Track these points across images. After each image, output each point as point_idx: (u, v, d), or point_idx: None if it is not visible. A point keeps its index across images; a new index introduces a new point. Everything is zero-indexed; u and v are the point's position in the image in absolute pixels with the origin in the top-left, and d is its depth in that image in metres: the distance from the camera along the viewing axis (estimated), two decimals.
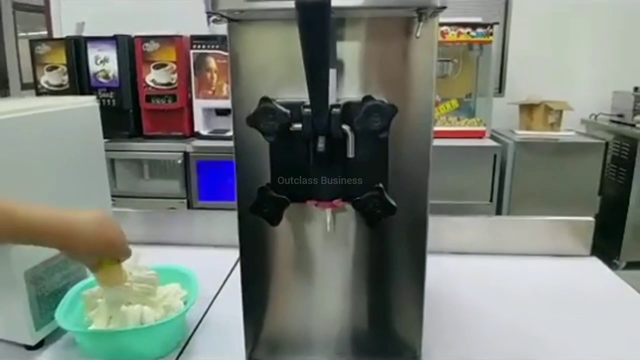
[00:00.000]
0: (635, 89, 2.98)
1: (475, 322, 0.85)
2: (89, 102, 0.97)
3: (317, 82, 0.48)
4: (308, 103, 0.53)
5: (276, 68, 0.59)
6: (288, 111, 0.54)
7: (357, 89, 0.58)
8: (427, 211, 0.62)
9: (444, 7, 0.50)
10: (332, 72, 0.54)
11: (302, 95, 0.53)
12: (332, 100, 0.53)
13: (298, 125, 0.53)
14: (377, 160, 0.55)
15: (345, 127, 0.52)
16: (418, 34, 0.53)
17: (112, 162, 2.68)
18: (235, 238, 0.65)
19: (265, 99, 0.54)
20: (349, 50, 0.58)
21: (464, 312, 0.88)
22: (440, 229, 1.14)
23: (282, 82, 0.58)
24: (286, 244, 0.64)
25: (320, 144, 0.52)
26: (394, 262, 0.65)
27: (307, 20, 0.44)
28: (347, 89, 0.58)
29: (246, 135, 0.59)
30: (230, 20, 0.57)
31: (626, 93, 3.01)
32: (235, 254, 0.67)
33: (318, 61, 0.47)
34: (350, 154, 0.53)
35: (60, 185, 0.82)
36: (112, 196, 1.01)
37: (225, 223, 1.10)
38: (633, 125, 2.85)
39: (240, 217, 0.62)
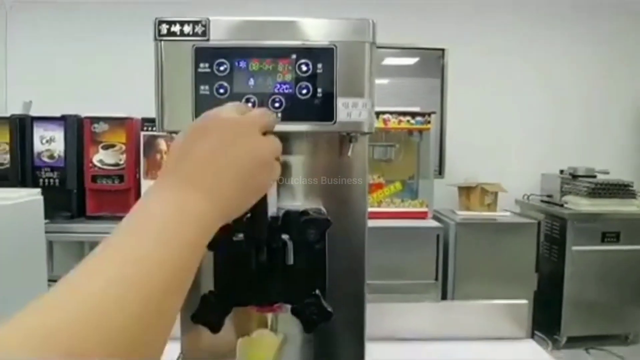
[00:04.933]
0: (561, 171, 3.24)
1: None
2: (33, 196, 0.97)
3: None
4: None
5: None
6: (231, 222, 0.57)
7: (297, 196, 0.63)
8: (364, 312, 0.65)
9: (371, 132, 0.57)
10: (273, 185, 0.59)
11: None
12: (272, 211, 0.57)
13: (240, 235, 0.57)
14: (315, 267, 0.59)
15: (285, 236, 0.56)
16: (349, 154, 0.59)
17: (50, 245, 2.57)
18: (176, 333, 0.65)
19: None
20: (290, 161, 0.64)
21: None
22: (384, 317, 1.17)
23: None
24: (229, 348, 0.65)
25: (262, 256, 0.55)
26: (332, 353, 0.67)
27: None
28: (287, 196, 0.63)
29: None
30: None
31: (553, 175, 3.27)
32: (176, 350, 0.67)
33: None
34: (290, 261, 0.56)
35: None
36: (49, 281, 0.98)
37: None
38: (561, 205, 3.07)
39: (182, 325, 0.63)
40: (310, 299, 0.57)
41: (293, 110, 0.55)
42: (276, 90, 0.55)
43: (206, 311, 0.56)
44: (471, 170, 3.22)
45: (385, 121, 2.78)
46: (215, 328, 0.56)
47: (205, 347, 0.62)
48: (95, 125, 2.71)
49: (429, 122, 2.86)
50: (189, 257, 0.37)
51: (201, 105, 0.55)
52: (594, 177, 3.04)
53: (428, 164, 2.98)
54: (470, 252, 2.81)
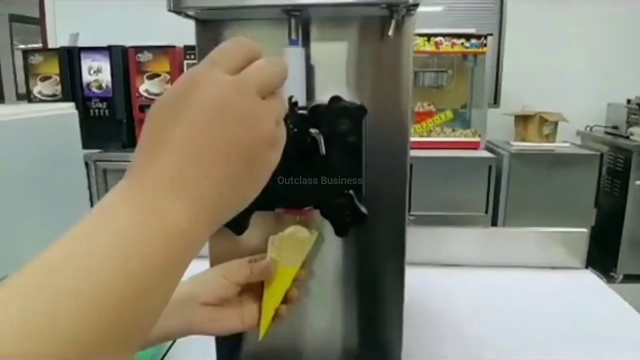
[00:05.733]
0: (628, 101, 2.96)
1: (460, 335, 0.82)
2: (67, 109, 0.96)
3: None
4: None
5: None
6: None
7: (328, 91, 0.56)
8: (404, 221, 0.59)
9: (417, 4, 0.48)
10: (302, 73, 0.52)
11: None
12: (301, 102, 0.51)
13: None
14: (349, 164, 0.52)
15: (314, 130, 0.50)
16: (390, 33, 0.51)
17: (104, 173, 2.66)
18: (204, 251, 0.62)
19: None
20: (321, 51, 0.56)
21: (450, 324, 0.85)
22: (432, 241, 1.12)
23: None
24: (259, 251, 0.61)
25: (291, 154, 0.49)
26: (371, 272, 0.62)
27: None
28: (318, 91, 0.56)
29: None
30: (197, 20, 0.55)
31: (619, 105, 2.99)
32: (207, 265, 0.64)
33: None
34: (322, 151, 0.50)
35: (34, 192, 0.80)
36: None
37: None
38: (627, 137, 2.83)
39: None
40: (343, 198, 0.51)
41: None
42: None
43: None
44: (529, 100, 2.99)
45: (437, 44, 2.60)
46: (238, 229, 0.52)
47: (233, 251, 0.58)
48: (140, 54, 2.70)
49: (484, 45, 2.64)
50: (156, 283, 0.28)
51: None
52: None
53: (482, 92, 2.79)
54: (524, 184, 2.66)
